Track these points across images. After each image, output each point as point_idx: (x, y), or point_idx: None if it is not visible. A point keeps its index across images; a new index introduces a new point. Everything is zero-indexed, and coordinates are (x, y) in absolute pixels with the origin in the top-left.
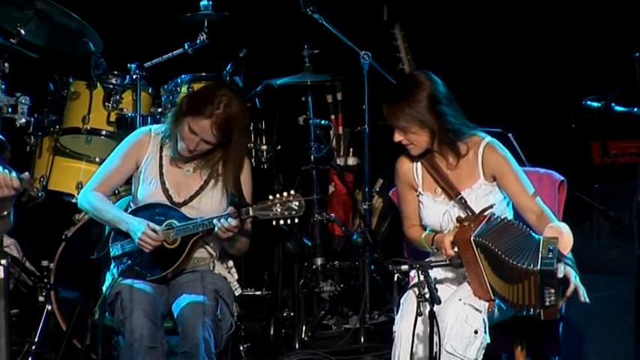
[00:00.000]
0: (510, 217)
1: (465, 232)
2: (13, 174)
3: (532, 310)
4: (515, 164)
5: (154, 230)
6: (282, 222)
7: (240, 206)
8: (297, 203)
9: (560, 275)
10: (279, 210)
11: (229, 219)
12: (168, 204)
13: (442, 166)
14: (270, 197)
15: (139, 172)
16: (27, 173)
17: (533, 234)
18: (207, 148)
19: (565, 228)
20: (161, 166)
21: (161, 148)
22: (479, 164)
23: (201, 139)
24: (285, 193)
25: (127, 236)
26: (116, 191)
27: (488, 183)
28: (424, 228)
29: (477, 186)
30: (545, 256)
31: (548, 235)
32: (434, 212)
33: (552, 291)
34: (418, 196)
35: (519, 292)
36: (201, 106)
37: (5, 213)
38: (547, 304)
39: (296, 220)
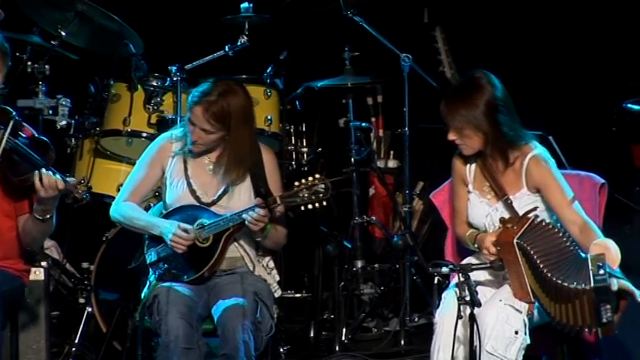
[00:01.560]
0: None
1: (507, 234)
2: (58, 176)
3: (587, 329)
4: (558, 177)
5: (185, 230)
6: (310, 207)
7: (266, 196)
8: (322, 186)
9: (614, 289)
10: (306, 195)
11: (257, 209)
12: (197, 204)
13: (493, 168)
14: (296, 183)
15: (165, 178)
16: (73, 178)
17: (578, 249)
18: (209, 139)
19: (611, 244)
20: (186, 169)
21: (183, 151)
22: (523, 175)
23: (200, 129)
24: (310, 177)
25: (161, 242)
26: (156, 193)
27: (532, 194)
28: (470, 226)
29: (520, 195)
30: (597, 273)
31: (594, 252)
32: (478, 212)
33: (608, 307)
34: (468, 193)
35: (570, 312)
36: (198, 95)
37: (48, 216)
38: (604, 320)
39: (324, 204)
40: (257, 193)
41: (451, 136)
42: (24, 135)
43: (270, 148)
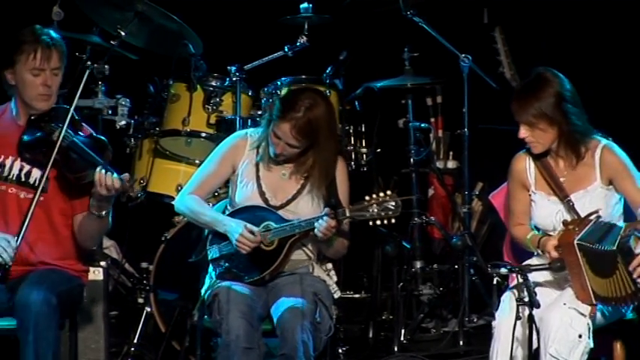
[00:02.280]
0: (622, 221)
1: (569, 235)
2: (115, 174)
3: (634, 299)
4: (631, 165)
5: (251, 232)
6: (378, 222)
7: (336, 207)
8: (393, 203)
9: (637, 251)
10: (375, 210)
11: (326, 220)
12: (265, 206)
13: (555, 168)
14: (367, 197)
15: (235, 176)
16: (127, 174)
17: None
18: (295, 151)
19: None
20: (257, 169)
21: (257, 151)
22: (596, 167)
23: (285, 143)
24: (381, 193)
25: (225, 239)
26: (215, 193)
27: (604, 186)
28: (534, 228)
29: (593, 188)
30: (624, 236)
31: None
32: (547, 211)
33: None
34: (530, 195)
35: (616, 284)
36: (283, 110)
37: (104, 213)
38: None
39: (393, 221)
40: (327, 202)
41: (523, 134)
42: (81, 133)
43: None
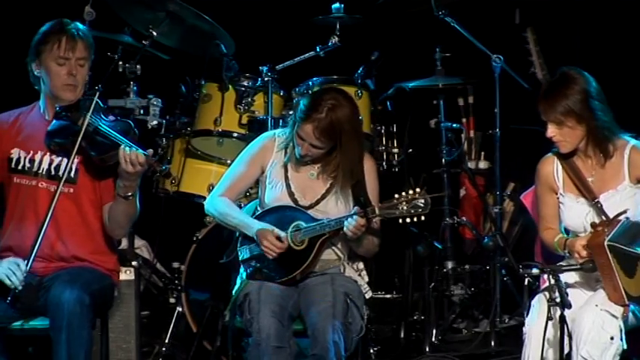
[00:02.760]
0: None
1: (598, 236)
2: (140, 150)
3: None
4: None
5: (278, 238)
6: (408, 220)
7: (365, 206)
8: (422, 201)
9: None
10: (405, 208)
11: (356, 218)
12: (295, 206)
13: (583, 168)
14: (396, 195)
15: (264, 177)
16: (151, 150)
17: None
18: (320, 152)
19: None
20: (286, 170)
21: (285, 152)
22: (625, 166)
23: (309, 144)
24: (410, 191)
25: (255, 240)
26: (247, 193)
27: (633, 185)
28: (564, 231)
29: (622, 188)
30: None
31: None
32: (576, 213)
33: None
34: (559, 197)
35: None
36: (306, 111)
37: (130, 194)
38: None
39: (422, 218)
40: (356, 201)
41: (550, 132)
42: (106, 117)
43: None
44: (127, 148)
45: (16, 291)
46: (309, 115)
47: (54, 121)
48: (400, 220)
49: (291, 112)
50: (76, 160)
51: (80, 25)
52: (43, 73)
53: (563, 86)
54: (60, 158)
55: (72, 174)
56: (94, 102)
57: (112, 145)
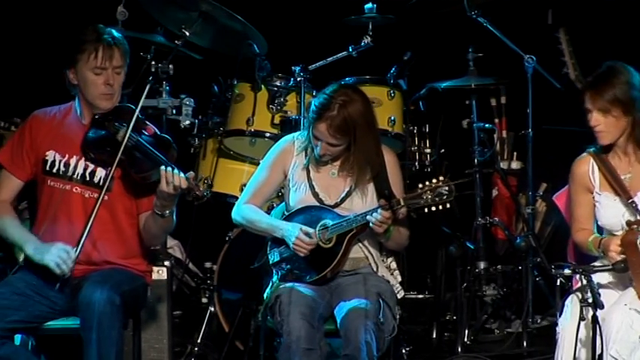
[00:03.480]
0: None
1: (632, 234)
2: (180, 173)
3: None
4: None
5: (307, 234)
6: (433, 209)
7: (390, 198)
8: (446, 188)
9: None
10: (429, 197)
11: (381, 211)
12: (321, 205)
13: (618, 167)
14: (420, 185)
15: (287, 180)
16: (192, 172)
17: None
18: (338, 150)
19: None
20: (308, 171)
21: (305, 154)
22: None
23: (326, 143)
24: (434, 180)
25: (284, 242)
26: (279, 193)
27: None
28: (598, 231)
29: None
30: None
31: None
32: (613, 212)
33: None
34: (594, 197)
35: None
36: (318, 110)
37: (167, 212)
38: None
39: (448, 205)
40: (380, 194)
41: (594, 121)
42: (146, 132)
43: (394, 149)
44: (169, 170)
45: (64, 277)
46: (321, 114)
47: (92, 129)
48: (426, 209)
49: None
50: (114, 171)
51: (115, 32)
52: (80, 81)
53: (610, 76)
54: (94, 166)
55: (108, 179)
56: (135, 117)
57: (151, 164)
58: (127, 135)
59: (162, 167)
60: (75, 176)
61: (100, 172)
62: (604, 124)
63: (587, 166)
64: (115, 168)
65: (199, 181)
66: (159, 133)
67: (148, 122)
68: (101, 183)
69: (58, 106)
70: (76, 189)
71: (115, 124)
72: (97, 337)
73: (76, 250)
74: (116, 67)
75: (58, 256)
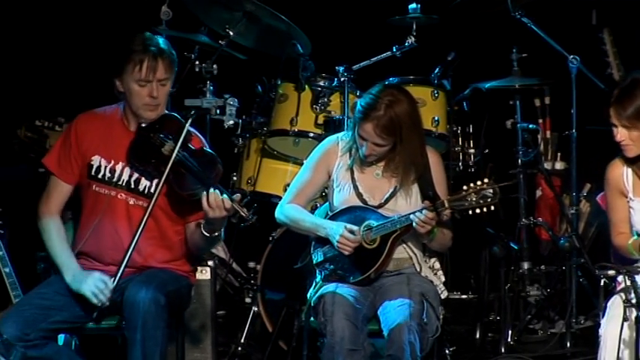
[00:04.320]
0: None
1: None
2: (225, 195)
3: None
4: None
5: (351, 232)
6: (477, 211)
7: (434, 199)
8: (491, 191)
9: None
10: (473, 199)
11: (425, 212)
12: (365, 206)
13: None
14: (465, 187)
15: (331, 181)
16: (238, 195)
17: None
18: (383, 150)
19: None
20: (352, 172)
21: (350, 154)
22: None
23: (372, 143)
24: (478, 182)
25: (327, 242)
26: (323, 193)
27: None
28: (635, 234)
29: None
30: None
31: None
32: None
33: None
34: (629, 202)
35: None
36: (364, 110)
37: (216, 234)
38: None
39: (492, 208)
40: (424, 196)
41: (620, 136)
42: (192, 147)
43: (437, 149)
44: (211, 193)
45: (101, 307)
46: (368, 114)
47: (138, 138)
48: (470, 212)
49: None
50: (162, 186)
51: (162, 42)
52: (125, 91)
53: (633, 89)
54: (139, 174)
55: (152, 189)
56: (184, 132)
57: (195, 185)
58: (175, 152)
59: (205, 191)
60: (120, 183)
61: (145, 182)
62: (628, 138)
63: (620, 170)
64: (164, 184)
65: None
66: (206, 147)
67: (194, 131)
68: (146, 192)
69: (103, 108)
70: (121, 195)
71: (161, 135)
72: (141, 337)
73: (114, 281)
74: (161, 80)
75: (95, 286)
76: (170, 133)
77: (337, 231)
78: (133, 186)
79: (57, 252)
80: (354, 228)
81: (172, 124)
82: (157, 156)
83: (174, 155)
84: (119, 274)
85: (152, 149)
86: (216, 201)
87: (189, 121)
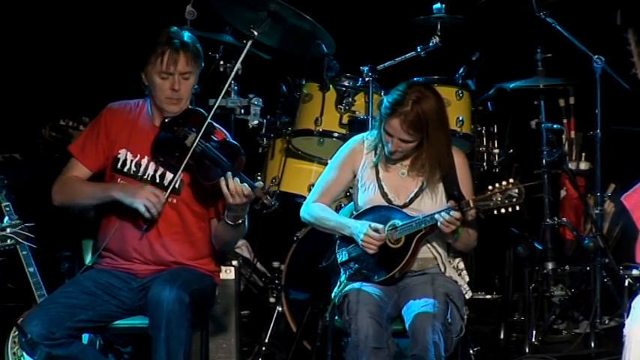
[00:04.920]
0: None
1: None
2: (245, 183)
3: None
4: None
5: (376, 230)
6: (503, 211)
7: (459, 199)
8: (516, 191)
9: None
10: (499, 199)
11: (450, 212)
12: (389, 205)
13: None
14: (490, 187)
15: (356, 180)
16: (260, 182)
17: None
18: (409, 147)
19: None
20: (377, 171)
21: (375, 153)
22: None
23: (398, 139)
24: (504, 182)
25: (352, 242)
26: (348, 193)
27: None
28: None
29: None
30: None
31: None
32: None
33: None
34: None
35: None
36: (391, 106)
37: (240, 222)
38: None
39: (517, 208)
40: (449, 195)
41: None
42: (215, 138)
43: (462, 149)
44: (230, 180)
45: (152, 219)
46: (395, 110)
47: (161, 132)
48: (495, 212)
49: None
50: (180, 175)
51: (187, 36)
52: (149, 84)
53: None
54: (164, 168)
55: (177, 184)
56: (206, 123)
57: (218, 173)
58: (196, 141)
59: (227, 177)
60: (146, 177)
61: (169, 176)
62: None
63: None
64: (182, 172)
65: (270, 187)
66: (229, 138)
67: (218, 126)
68: (170, 188)
69: (131, 101)
70: None
71: (185, 129)
72: (165, 336)
73: (166, 195)
74: (183, 73)
75: (147, 199)
76: (194, 126)
77: (362, 230)
78: (158, 180)
79: (90, 186)
80: (379, 227)
81: (196, 117)
82: (180, 148)
83: (195, 143)
84: (171, 187)
85: (175, 142)
86: (235, 187)
87: (212, 112)
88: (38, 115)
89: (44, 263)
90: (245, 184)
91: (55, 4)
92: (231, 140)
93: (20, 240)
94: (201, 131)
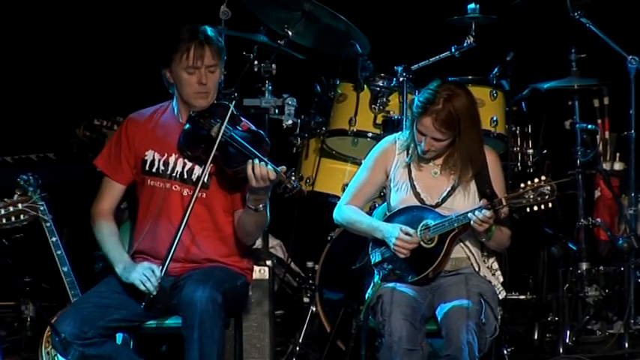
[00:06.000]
0: None
1: None
2: (269, 166)
3: None
4: None
5: (407, 234)
6: (535, 208)
7: (492, 198)
8: (548, 188)
9: None
10: (531, 196)
11: (483, 211)
12: (422, 205)
13: None
14: (522, 185)
15: (389, 181)
16: (284, 167)
17: None
18: (442, 145)
19: None
20: (409, 171)
21: (407, 153)
22: None
23: (430, 138)
24: (536, 179)
25: (385, 243)
26: (381, 193)
27: None
28: None
29: None
30: None
31: None
32: None
33: None
34: None
35: None
36: (423, 105)
37: (261, 206)
38: None
39: (550, 205)
40: (482, 194)
41: None
42: (240, 128)
43: (496, 149)
44: (256, 162)
45: (150, 296)
46: (426, 108)
47: (188, 126)
48: (528, 209)
49: None
50: (209, 167)
51: (209, 31)
52: (175, 81)
53: None
54: (192, 164)
55: (205, 179)
56: (229, 112)
57: (243, 159)
58: (222, 130)
59: (253, 160)
60: (174, 174)
61: (198, 170)
62: None
63: None
64: (210, 163)
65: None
66: (253, 127)
67: (242, 118)
68: (200, 181)
69: (153, 106)
70: (175, 187)
71: (210, 120)
72: (198, 336)
73: (162, 270)
74: (209, 66)
75: (142, 274)
76: (220, 118)
77: (393, 233)
78: (186, 176)
79: (109, 249)
80: (410, 230)
81: (222, 110)
82: (207, 140)
83: (221, 132)
84: (168, 261)
85: (202, 135)
86: (261, 171)
87: (234, 102)
88: (72, 115)
89: (78, 263)
90: (269, 166)
91: (90, 5)
92: (256, 129)
93: (33, 213)
94: (226, 119)
